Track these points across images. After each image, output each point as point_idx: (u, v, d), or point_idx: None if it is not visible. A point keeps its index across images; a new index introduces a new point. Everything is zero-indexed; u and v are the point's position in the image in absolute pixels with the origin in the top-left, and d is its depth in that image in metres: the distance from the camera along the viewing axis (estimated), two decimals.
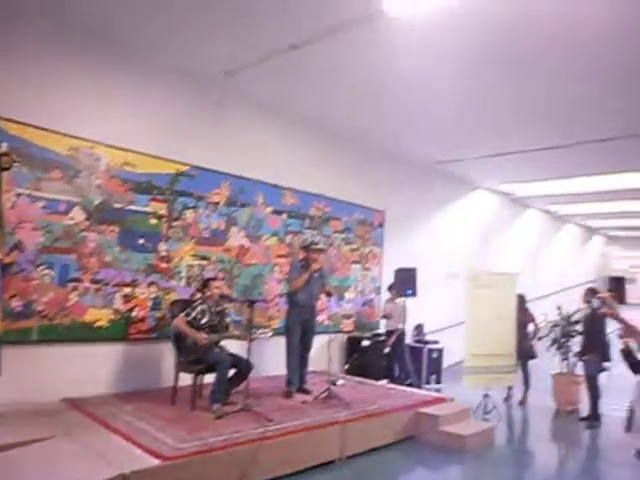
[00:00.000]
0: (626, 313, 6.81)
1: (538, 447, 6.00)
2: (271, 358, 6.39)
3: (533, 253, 13.45)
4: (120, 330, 5.40)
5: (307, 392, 5.77)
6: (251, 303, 5.03)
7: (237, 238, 6.51)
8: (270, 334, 5.19)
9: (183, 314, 5.03)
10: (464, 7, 4.15)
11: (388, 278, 8.12)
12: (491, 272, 7.50)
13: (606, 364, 6.60)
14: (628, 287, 19.96)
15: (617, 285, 19.68)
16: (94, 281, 5.21)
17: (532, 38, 4.63)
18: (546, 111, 6.56)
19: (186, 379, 5.00)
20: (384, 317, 8.04)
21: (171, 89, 5.88)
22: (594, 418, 6.53)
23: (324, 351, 6.26)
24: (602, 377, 6.68)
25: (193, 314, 5.03)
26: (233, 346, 5.29)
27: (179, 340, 5.04)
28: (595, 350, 6.63)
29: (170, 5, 4.52)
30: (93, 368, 5.20)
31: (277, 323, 6.79)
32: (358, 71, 5.61)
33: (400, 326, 7.74)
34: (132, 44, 5.36)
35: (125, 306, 5.43)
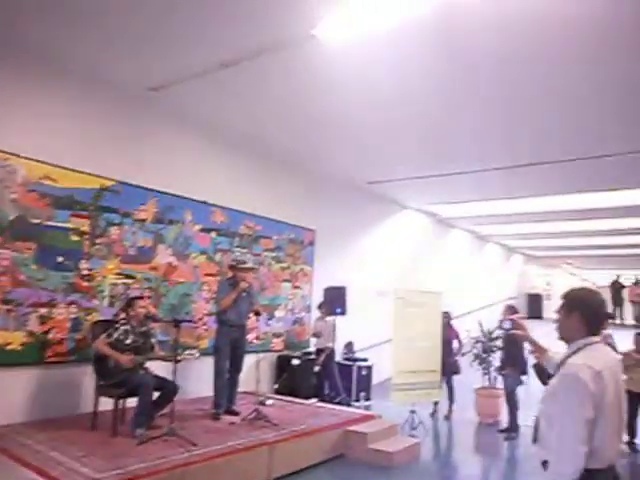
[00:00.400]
0: (542, 328, 7.24)
1: (460, 460, 6.19)
2: (199, 379, 6.23)
3: (458, 271, 13.98)
4: (35, 353, 5.07)
5: (235, 413, 5.66)
6: (177, 323, 4.90)
7: (164, 256, 6.35)
8: (197, 355, 5.07)
9: (105, 335, 4.82)
10: (395, 33, 4.30)
11: (318, 296, 8.17)
12: (418, 290, 7.73)
13: (524, 378, 6.93)
14: (545, 303, 21.12)
15: (535, 301, 20.78)
16: (5, 301, 4.89)
17: (462, 64, 4.86)
18: (471, 137, 6.89)
19: (108, 404, 4.78)
20: (314, 335, 8.06)
21: (95, 103, 5.69)
22: (513, 430, 6.82)
23: (253, 371, 6.19)
24: (520, 390, 7.01)
25: (116, 335, 4.83)
26: (159, 368, 5.12)
27: (100, 363, 4.81)
28: (514, 365, 6.95)
29: (95, 20, 4.39)
30: (4, 395, 4.85)
31: (206, 343, 6.65)
32: (290, 91, 5.67)
33: (330, 344, 7.78)
34: (54, 57, 5.15)
35: (41, 328, 5.12)
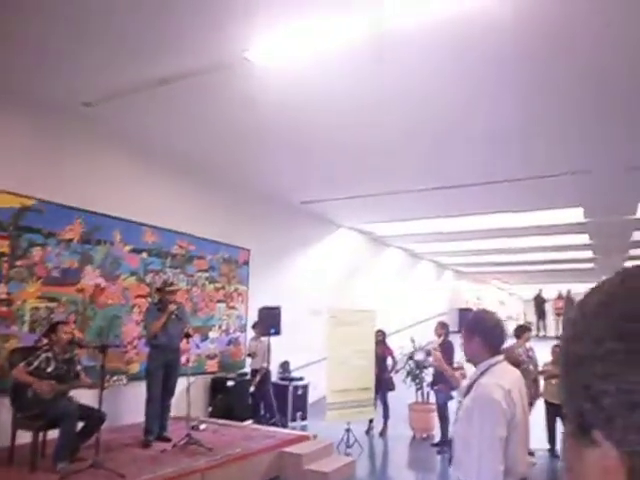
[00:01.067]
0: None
1: (395, 476, 6.27)
2: (129, 405, 6.00)
3: (392, 289, 14.28)
4: None
5: (167, 440, 5.48)
6: (104, 348, 4.71)
7: (92, 277, 6.10)
8: (125, 381, 4.88)
9: (24, 363, 4.55)
10: (327, 56, 4.40)
11: (254, 316, 8.10)
12: (351, 309, 7.83)
13: (455, 393, 7.13)
14: None
15: (466, 316, 21.49)
16: None
17: (392, 87, 5.02)
18: (403, 159, 7.10)
19: (26, 437, 4.50)
20: (249, 356, 7.97)
21: (16, 118, 5.44)
22: (444, 444, 6.99)
23: (185, 395, 6.02)
24: (452, 405, 7.21)
25: (36, 363, 4.57)
26: (86, 396, 4.88)
27: (17, 393, 4.53)
28: (445, 380, 7.14)
29: (26, 32, 4.22)
30: None
31: (136, 367, 6.42)
32: (224, 111, 5.65)
33: (265, 365, 7.71)
34: None
35: None
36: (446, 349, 6.97)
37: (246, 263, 8.59)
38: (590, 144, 6.31)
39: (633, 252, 14.40)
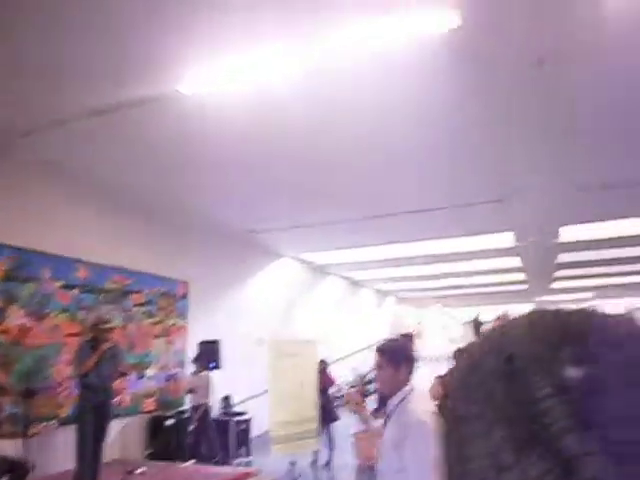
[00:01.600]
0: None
1: None
2: (59, 452, 5.62)
3: (334, 317, 14.32)
4: None
5: None
6: (28, 393, 4.43)
7: (17, 317, 5.76)
8: (56, 424, 4.60)
9: None
10: (264, 89, 4.46)
11: (194, 350, 7.88)
12: (291, 340, 7.78)
13: None
14: (417, 342, 22.27)
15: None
16: None
17: (327, 120, 5.13)
18: (341, 188, 7.20)
19: None
20: (189, 392, 7.71)
21: None
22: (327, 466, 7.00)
23: (121, 437, 5.74)
24: None
25: None
26: (7, 447, 4.56)
27: None
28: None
29: None
30: None
31: (67, 410, 6.05)
32: (160, 142, 5.57)
33: (205, 400, 7.49)
34: None
35: None
36: None
37: (185, 296, 8.39)
38: (511, 172, 6.65)
39: (558, 273, 15.17)
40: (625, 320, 0.43)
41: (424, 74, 4.20)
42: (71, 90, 4.47)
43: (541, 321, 0.43)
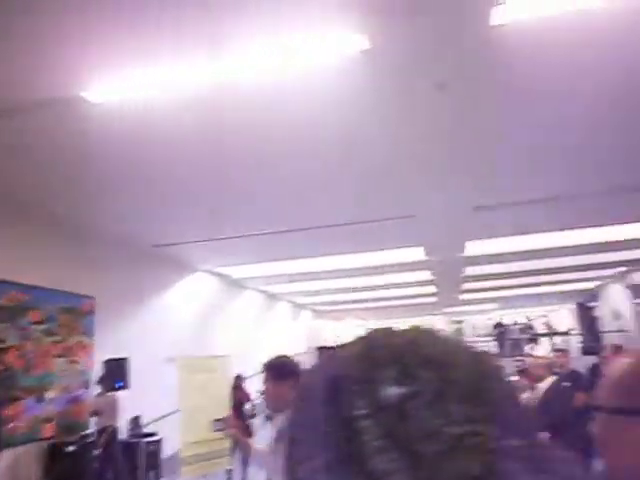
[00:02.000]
0: None
1: None
2: None
3: (251, 331, 14.16)
4: None
5: None
6: None
7: None
8: None
9: None
10: (174, 99, 4.36)
11: (100, 370, 7.47)
12: (203, 356, 7.58)
13: None
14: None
15: (324, 354, 22.02)
16: None
17: (238, 132, 5.09)
18: (256, 201, 7.16)
19: None
20: (94, 414, 7.29)
21: None
22: None
23: (12, 468, 5.30)
24: None
25: None
26: None
27: None
28: None
29: None
30: None
31: None
32: (63, 150, 5.26)
33: (112, 422, 7.11)
34: None
35: None
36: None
37: (91, 312, 7.94)
38: (419, 189, 6.95)
39: (466, 286, 15.99)
40: (446, 339, 0.45)
41: (332, 94, 4.29)
42: None
43: (371, 342, 0.45)
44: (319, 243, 9.60)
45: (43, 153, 5.33)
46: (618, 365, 1.13)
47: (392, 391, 0.39)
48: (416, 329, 0.47)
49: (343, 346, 0.48)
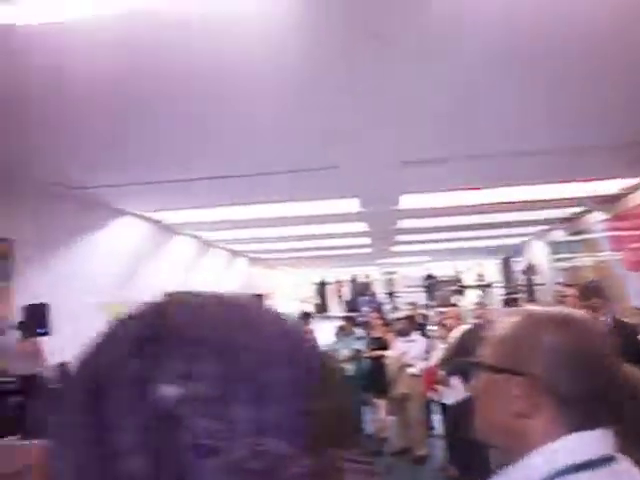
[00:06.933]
0: None
1: None
2: None
3: (184, 277, 13.97)
4: None
5: None
6: None
7: None
8: None
9: None
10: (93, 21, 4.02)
11: (20, 316, 7.16)
12: (132, 302, 7.41)
13: None
14: (268, 302, 22.82)
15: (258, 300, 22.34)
16: None
17: (145, 70, 4.80)
18: (190, 145, 6.86)
19: None
20: (14, 360, 7.02)
21: None
22: None
23: None
24: None
25: None
26: None
27: None
28: None
29: None
30: None
31: None
32: None
33: (36, 369, 6.88)
34: None
35: None
36: None
37: (6, 256, 7.51)
38: (343, 140, 6.91)
39: (399, 238, 16.42)
40: (264, 317, 0.37)
41: (272, 30, 4.10)
42: None
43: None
44: (252, 191, 9.45)
45: None
46: (503, 323, 1.17)
47: (168, 393, 0.32)
48: (215, 300, 0.38)
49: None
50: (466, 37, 4.26)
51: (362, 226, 13.88)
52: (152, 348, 0.31)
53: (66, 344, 7.51)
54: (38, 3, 3.67)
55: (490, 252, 21.52)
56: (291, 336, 0.36)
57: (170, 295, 0.37)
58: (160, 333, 0.32)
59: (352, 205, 10.87)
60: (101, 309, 8.89)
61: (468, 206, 11.08)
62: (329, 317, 19.30)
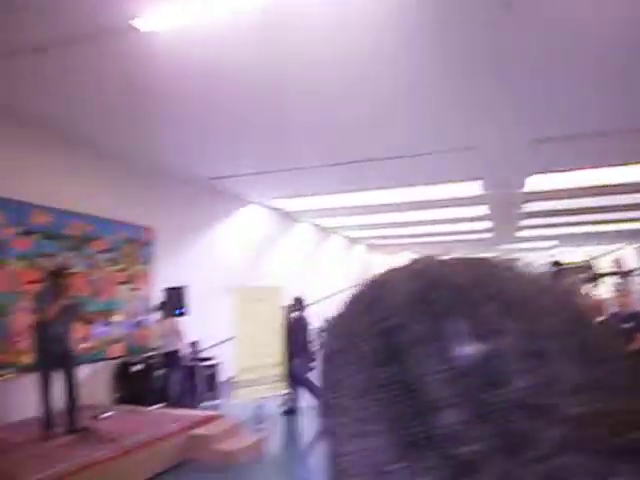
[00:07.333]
0: None
1: (308, 450, 6.39)
2: (23, 399, 5.59)
3: (303, 264, 14.38)
4: None
5: (77, 432, 5.15)
6: None
7: None
8: (12, 375, 4.55)
9: None
10: (225, 24, 4.23)
11: (160, 297, 7.85)
12: (257, 287, 7.79)
13: (313, 364, 7.43)
14: None
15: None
16: None
17: (297, 60, 4.93)
18: (312, 133, 7.04)
19: None
20: (156, 338, 7.72)
21: None
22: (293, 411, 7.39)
23: (88, 383, 5.74)
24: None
25: None
26: None
27: None
28: (305, 353, 7.35)
29: None
30: None
31: (27, 359, 5.99)
32: (115, 82, 5.29)
33: (175, 346, 7.53)
34: None
35: None
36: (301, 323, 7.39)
37: (150, 242, 8.25)
38: (476, 121, 6.60)
39: (524, 222, 15.48)
40: (534, 276, 0.35)
41: (403, 15, 4.03)
42: (11, 26, 4.16)
43: (427, 280, 0.35)
44: (374, 176, 9.42)
45: (105, 87, 5.37)
46: None
47: (470, 350, 0.30)
48: (479, 260, 0.36)
49: (381, 281, 0.38)
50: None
51: (484, 209, 13.30)
52: (442, 305, 0.31)
53: (198, 324, 8.12)
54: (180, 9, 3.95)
55: (628, 236, 19.57)
56: (569, 296, 0.35)
57: (429, 259, 0.36)
58: (446, 291, 0.31)
59: (475, 188, 10.44)
60: (228, 292, 9.45)
61: (600, 186, 10.14)
62: None
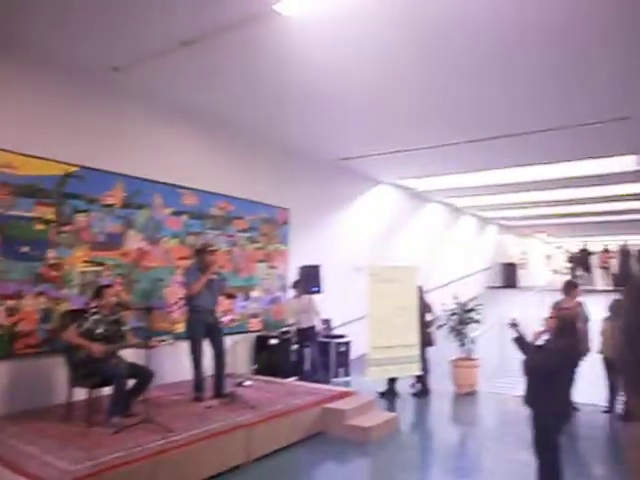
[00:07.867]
0: (517, 297, 7.39)
1: (437, 430, 6.32)
2: (175, 364, 6.20)
3: (434, 244, 14.09)
4: (4, 346, 4.98)
5: (224, 396, 5.61)
6: (148, 310, 4.84)
7: (135, 241, 6.24)
8: (171, 341, 5.03)
9: (74, 326, 4.74)
10: (363, 7, 4.21)
11: (295, 275, 8.17)
12: (391, 266, 7.76)
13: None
14: (520, 272, 21.50)
15: (509, 271, 21.09)
16: None
17: (432, 36, 4.79)
18: (443, 111, 6.82)
19: (82, 394, 4.72)
20: (292, 314, 8.05)
21: (55, 87, 5.49)
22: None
23: (230, 352, 6.18)
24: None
25: (86, 325, 4.75)
26: (133, 355, 5.08)
27: (71, 353, 4.74)
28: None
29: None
30: None
31: (182, 327, 6.58)
32: (254, 68, 5.52)
33: (311, 323, 7.81)
34: (5, 42, 4.92)
35: (9, 320, 5.01)
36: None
37: (285, 222, 8.59)
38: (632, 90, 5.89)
39: None
40: None
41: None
42: (156, 22, 4.50)
43: None
44: (510, 153, 8.88)
45: (242, 73, 5.64)
46: None
47: None
48: None
49: None
50: None
51: (636, 188, 11.96)
52: None
53: (331, 302, 8.33)
54: None
55: None
56: None
57: None
58: None
59: (628, 163, 9.42)
60: (361, 271, 9.57)
61: None
62: (592, 290, 17.27)
